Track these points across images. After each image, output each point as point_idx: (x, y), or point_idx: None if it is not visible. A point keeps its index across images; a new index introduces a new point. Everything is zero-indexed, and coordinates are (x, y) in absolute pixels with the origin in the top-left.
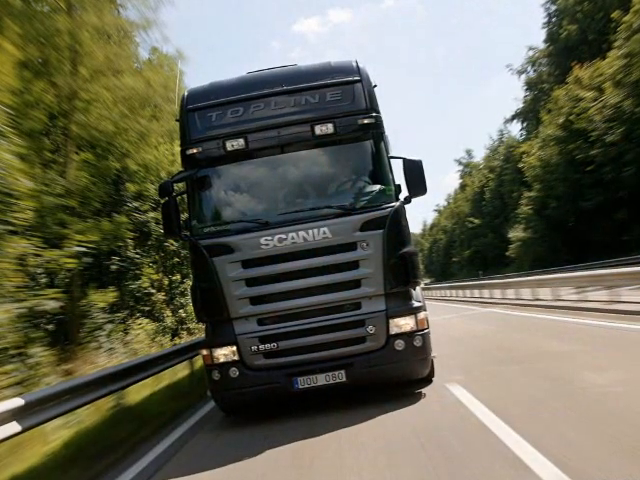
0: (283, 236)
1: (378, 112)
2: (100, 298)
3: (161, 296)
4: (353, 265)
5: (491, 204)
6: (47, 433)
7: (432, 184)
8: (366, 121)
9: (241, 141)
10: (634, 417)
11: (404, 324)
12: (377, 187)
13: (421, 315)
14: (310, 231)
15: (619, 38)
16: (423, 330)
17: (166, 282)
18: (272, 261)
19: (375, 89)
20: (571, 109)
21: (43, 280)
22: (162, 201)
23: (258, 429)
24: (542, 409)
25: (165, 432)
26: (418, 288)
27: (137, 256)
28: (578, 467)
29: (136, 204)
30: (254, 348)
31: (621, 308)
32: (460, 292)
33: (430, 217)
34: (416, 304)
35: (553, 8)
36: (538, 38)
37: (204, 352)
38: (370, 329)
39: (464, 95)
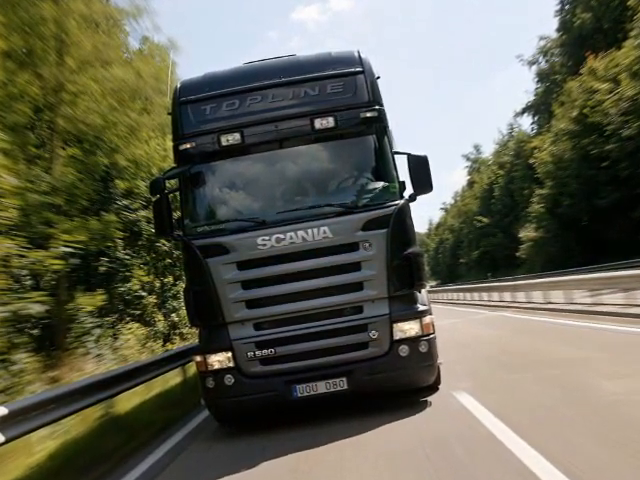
0: (281, 236)
1: (381, 105)
2: (88, 301)
3: (152, 299)
4: (355, 266)
5: (501, 202)
6: (32, 444)
7: (438, 181)
8: (369, 114)
9: (237, 135)
10: None
11: (409, 329)
12: (380, 184)
13: (426, 319)
14: (310, 230)
15: (636, 27)
16: (429, 335)
17: (158, 284)
18: (270, 262)
19: (378, 80)
20: (585, 102)
21: (28, 282)
22: (153, 199)
23: (255, 439)
24: (552, 417)
25: (156, 443)
26: (423, 291)
27: (127, 257)
28: (587, 476)
29: (126, 202)
30: (250, 354)
31: (638, 312)
32: (468, 295)
33: (436, 216)
34: (421, 308)
35: None
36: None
37: (197, 358)
38: (373, 334)
39: (469, 89)
